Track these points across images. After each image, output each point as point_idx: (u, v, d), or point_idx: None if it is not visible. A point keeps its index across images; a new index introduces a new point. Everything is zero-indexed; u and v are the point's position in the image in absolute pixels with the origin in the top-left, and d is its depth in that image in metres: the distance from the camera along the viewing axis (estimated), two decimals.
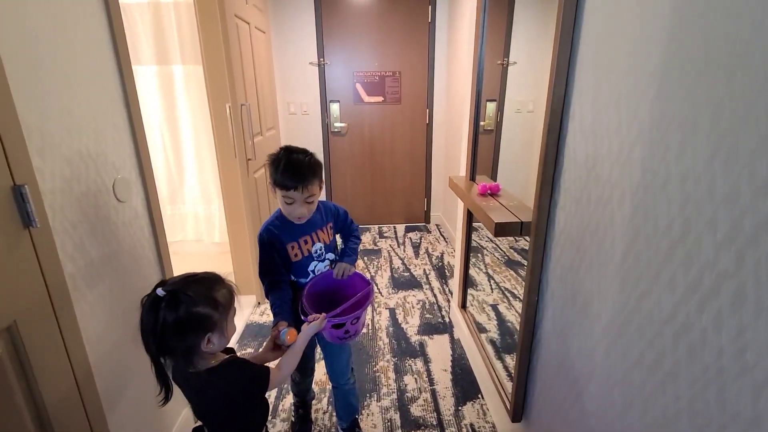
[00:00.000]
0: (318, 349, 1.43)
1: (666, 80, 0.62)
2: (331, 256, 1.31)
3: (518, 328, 1.20)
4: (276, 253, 1.20)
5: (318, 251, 1.27)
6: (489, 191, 1.42)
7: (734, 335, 0.51)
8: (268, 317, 2.23)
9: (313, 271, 1.27)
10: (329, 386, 1.63)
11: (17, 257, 0.75)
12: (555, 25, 0.91)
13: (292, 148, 1.16)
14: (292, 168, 1.10)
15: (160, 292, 0.76)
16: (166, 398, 0.83)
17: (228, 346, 0.91)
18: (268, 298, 1.21)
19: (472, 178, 1.69)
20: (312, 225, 1.24)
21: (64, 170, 0.90)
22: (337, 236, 1.38)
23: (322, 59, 3.20)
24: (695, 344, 0.58)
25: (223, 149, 2.14)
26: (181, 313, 0.76)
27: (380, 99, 3.33)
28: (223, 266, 2.76)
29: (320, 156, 3.36)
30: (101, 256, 1.02)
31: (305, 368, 1.46)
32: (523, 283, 1.13)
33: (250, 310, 2.29)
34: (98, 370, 0.98)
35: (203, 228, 3.06)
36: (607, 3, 0.77)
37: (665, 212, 0.63)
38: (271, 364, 0.98)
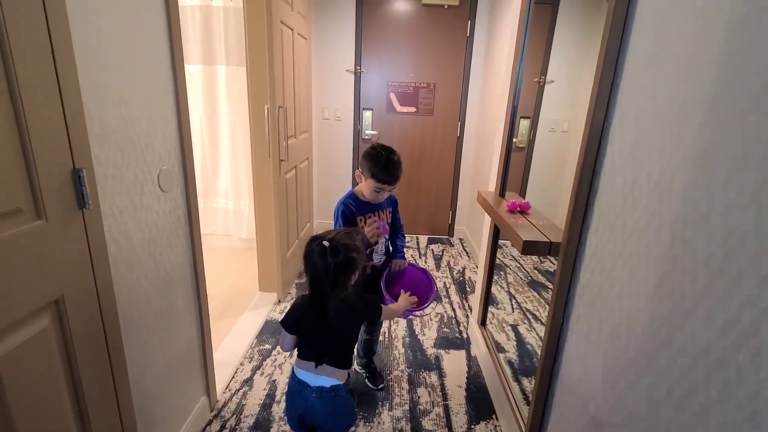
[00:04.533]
0: None
1: (716, 107, 0.61)
2: (386, 234, 1.60)
3: (538, 351, 1.17)
4: (348, 224, 1.49)
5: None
6: (518, 208, 1.41)
7: None
8: None
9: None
10: None
11: (70, 235, 0.80)
12: (599, 47, 0.91)
13: (387, 149, 1.48)
14: (392, 169, 1.44)
15: (326, 243, 1.03)
16: (326, 319, 1.09)
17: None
18: None
19: (502, 194, 1.68)
20: (377, 206, 1.55)
21: (117, 158, 0.96)
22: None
23: (358, 67, 3.27)
24: (730, 382, 0.56)
25: (258, 148, 2.21)
26: (341, 257, 1.03)
27: (413, 109, 3.36)
28: (248, 262, 2.84)
29: (349, 161, 3.46)
30: (141, 241, 1.07)
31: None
32: (546, 306, 1.12)
33: (270, 307, 2.34)
34: (128, 347, 1.03)
35: (232, 223, 3.16)
36: (657, 27, 0.77)
37: (706, 244, 0.61)
38: None
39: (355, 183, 3.60)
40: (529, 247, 1.13)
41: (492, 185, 1.83)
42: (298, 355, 1.16)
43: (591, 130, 0.93)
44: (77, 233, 0.82)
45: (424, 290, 1.53)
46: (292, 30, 2.36)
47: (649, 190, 0.76)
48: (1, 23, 0.64)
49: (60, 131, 0.76)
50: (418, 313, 1.55)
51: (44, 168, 0.73)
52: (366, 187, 1.49)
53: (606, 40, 0.88)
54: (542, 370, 1.14)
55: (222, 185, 3.11)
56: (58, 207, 0.77)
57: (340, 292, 1.08)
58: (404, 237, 1.71)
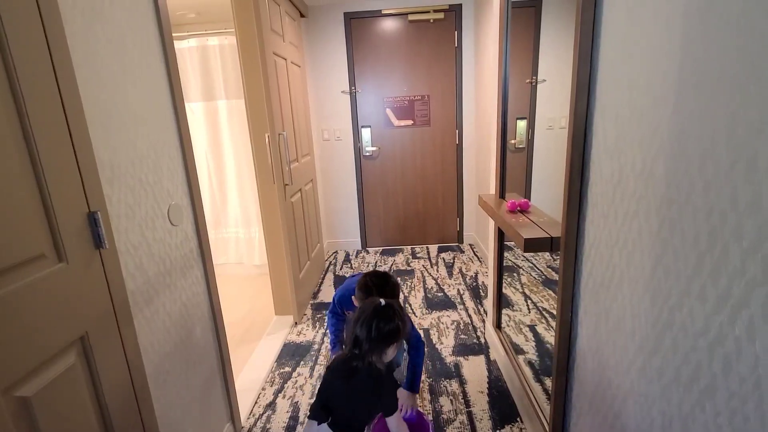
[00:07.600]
0: None
1: (682, 95, 0.64)
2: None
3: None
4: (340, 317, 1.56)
5: None
6: (518, 208, 1.43)
7: None
8: (305, 337, 2.29)
9: None
10: None
11: (90, 275, 0.85)
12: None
13: (381, 279, 1.37)
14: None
15: (382, 302, 1.01)
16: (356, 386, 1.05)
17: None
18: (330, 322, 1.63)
19: (502, 196, 1.70)
20: None
21: (128, 197, 1.02)
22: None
23: (353, 87, 3.36)
24: (730, 356, 0.56)
25: (262, 175, 2.28)
26: (393, 324, 1.00)
27: (410, 122, 3.42)
28: (263, 288, 2.88)
29: (353, 179, 3.52)
30: (156, 274, 1.12)
31: None
32: None
33: (287, 330, 2.37)
34: (152, 378, 1.06)
35: (244, 251, 3.22)
36: (625, 19, 0.80)
37: (691, 224, 0.63)
38: None
39: (360, 201, 3.67)
40: (530, 245, 1.14)
41: (493, 188, 1.85)
42: (330, 426, 1.11)
43: (575, 125, 0.96)
44: (96, 272, 0.87)
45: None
46: (285, 60, 2.45)
47: (635, 178, 0.78)
48: (15, 85, 0.70)
49: (74, 179, 0.82)
50: None
51: (62, 215, 0.79)
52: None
53: (578, 37, 0.91)
54: (557, 367, 1.14)
55: (231, 215, 3.19)
56: (77, 249, 0.82)
57: (375, 362, 1.03)
58: (424, 354, 1.50)
